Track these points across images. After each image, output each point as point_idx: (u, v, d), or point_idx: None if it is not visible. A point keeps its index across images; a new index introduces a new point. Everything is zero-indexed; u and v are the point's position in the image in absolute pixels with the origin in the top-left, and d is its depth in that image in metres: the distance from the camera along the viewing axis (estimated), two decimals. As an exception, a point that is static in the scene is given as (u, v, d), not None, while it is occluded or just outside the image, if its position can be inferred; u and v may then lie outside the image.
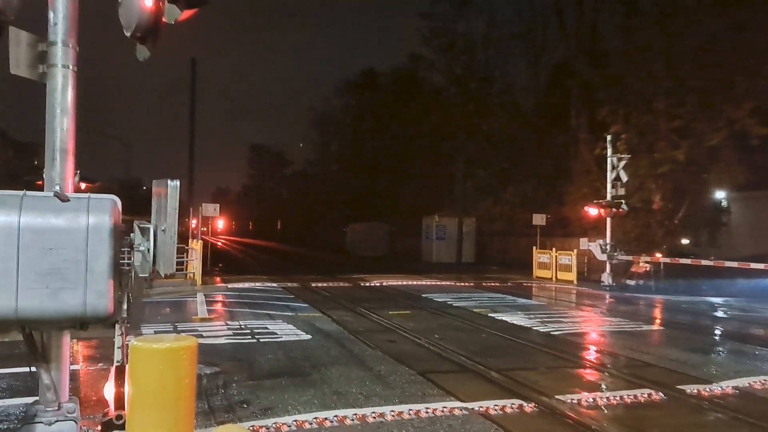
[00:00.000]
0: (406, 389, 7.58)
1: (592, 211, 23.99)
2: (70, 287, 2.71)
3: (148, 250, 2.85)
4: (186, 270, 20.80)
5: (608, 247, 23.30)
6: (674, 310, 17.02)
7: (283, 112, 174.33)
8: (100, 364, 8.50)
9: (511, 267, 32.77)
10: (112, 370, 2.95)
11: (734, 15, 25.85)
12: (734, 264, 19.90)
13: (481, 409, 6.73)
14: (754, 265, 19.14)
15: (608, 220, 23.81)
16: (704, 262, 21.31)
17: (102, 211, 2.79)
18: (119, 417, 2.80)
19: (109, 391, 2.89)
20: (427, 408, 6.71)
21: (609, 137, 24.78)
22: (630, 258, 23.35)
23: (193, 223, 26.82)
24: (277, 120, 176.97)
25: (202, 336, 10.67)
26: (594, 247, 23.89)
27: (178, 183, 2.67)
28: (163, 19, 3.07)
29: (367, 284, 22.49)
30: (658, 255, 23.18)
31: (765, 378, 8.53)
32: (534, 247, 27.96)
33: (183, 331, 11.20)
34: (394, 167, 50.82)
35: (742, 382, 8.28)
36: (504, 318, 14.13)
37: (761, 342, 11.57)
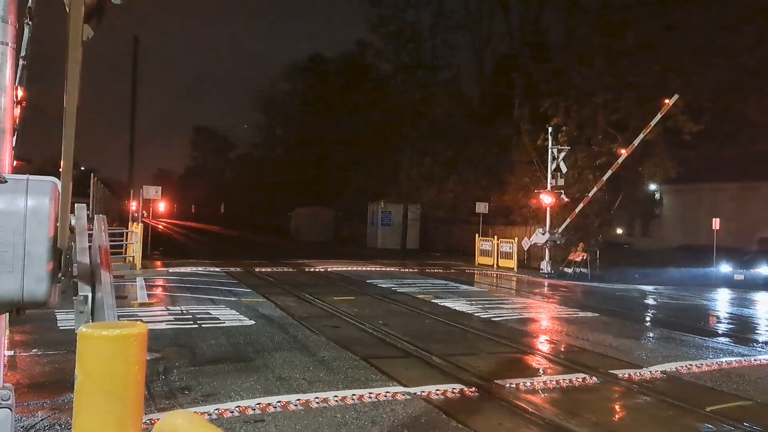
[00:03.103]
0: (350, 374, 7.66)
1: (546, 199, 24.27)
2: (7, 271, 2.61)
3: (87, 302, 2.63)
4: (125, 253, 20.20)
5: (547, 233, 24.04)
6: (608, 298, 17.75)
7: (229, 95, 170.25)
8: (33, 350, 8.20)
9: (454, 254, 33.34)
10: None
11: (669, 15, 26.97)
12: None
13: (423, 393, 6.88)
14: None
15: (548, 209, 24.51)
16: (590, 194, 24.65)
17: (42, 194, 2.69)
18: None
19: None
20: (370, 393, 6.81)
21: (550, 129, 25.51)
22: (569, 220, 24.34)
23: (134, 205, 26.01)
24: (222, 103, 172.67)
25: (141, 321, 10.43)
26: (536, 236, 24.59)
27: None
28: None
29: (312, 269, 22.41)
30: (588, 194, 24.64)
31: (690, 363, 9.04)
32: (476, 235, 28.53)
33: (121, 317, 10.91)
34: (341, 152, 50.61)
35: (670, 366, 8.75)
36: (447, 304, 14.41)
37: (687, 329, 12.22)
